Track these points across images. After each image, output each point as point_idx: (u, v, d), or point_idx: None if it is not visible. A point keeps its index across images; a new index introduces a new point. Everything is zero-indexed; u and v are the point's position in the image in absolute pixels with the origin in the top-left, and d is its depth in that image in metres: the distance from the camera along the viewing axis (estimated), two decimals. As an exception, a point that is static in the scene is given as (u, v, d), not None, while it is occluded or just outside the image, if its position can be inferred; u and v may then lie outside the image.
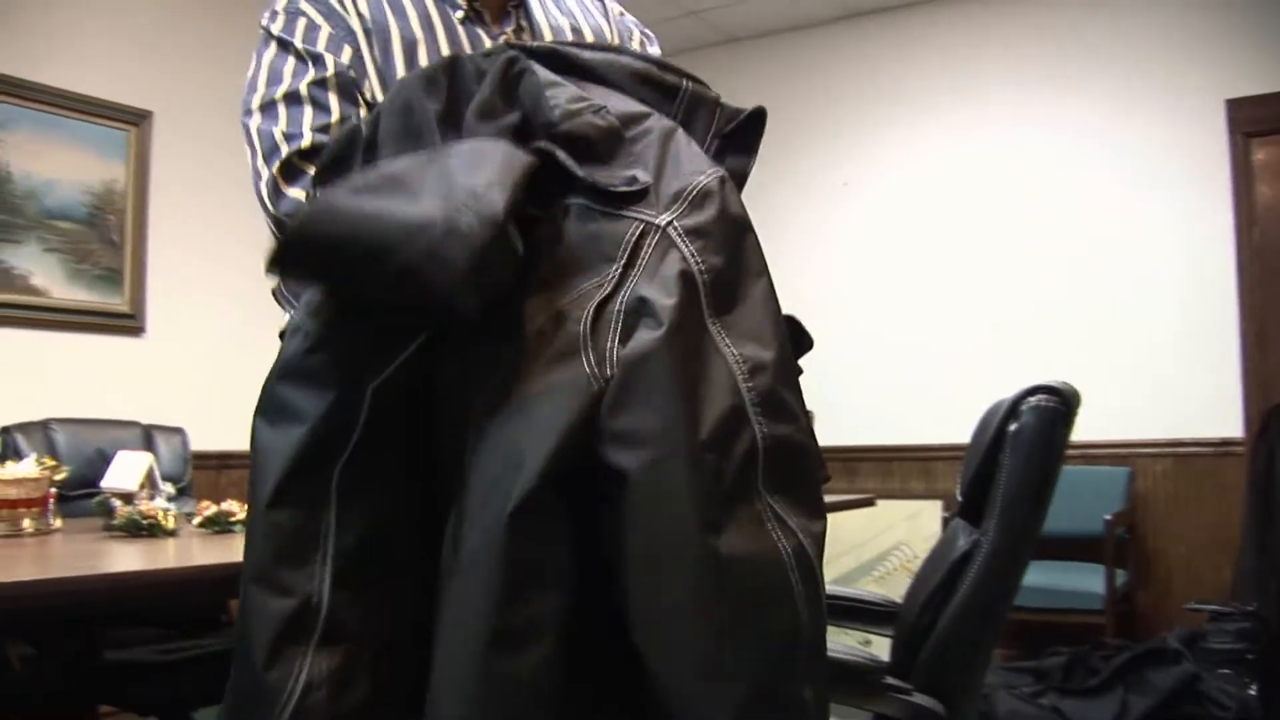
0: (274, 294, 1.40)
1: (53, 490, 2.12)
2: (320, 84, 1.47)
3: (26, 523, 2.05)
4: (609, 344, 0.94)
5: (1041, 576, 4.16)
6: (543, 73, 1.06)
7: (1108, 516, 4.38)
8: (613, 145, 1.02)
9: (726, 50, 6.01)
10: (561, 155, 1.00)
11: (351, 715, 0.96)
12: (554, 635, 0.90)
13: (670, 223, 0.98)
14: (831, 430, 5.07)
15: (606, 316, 0.95)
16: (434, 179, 0.95)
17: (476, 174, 0.94)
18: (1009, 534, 1.63)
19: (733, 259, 1.00)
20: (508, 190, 0.93)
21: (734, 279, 0.99)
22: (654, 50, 1.79)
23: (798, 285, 5.58)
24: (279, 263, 0.97)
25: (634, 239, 0.98)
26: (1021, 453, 1.63)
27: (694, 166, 1.04)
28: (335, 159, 1.10)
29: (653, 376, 0.91)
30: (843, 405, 5.20)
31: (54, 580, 1.35)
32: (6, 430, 3.11)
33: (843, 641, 1.73)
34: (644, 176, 1.00)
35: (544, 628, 0.90)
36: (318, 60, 1.48)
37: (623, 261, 0.97)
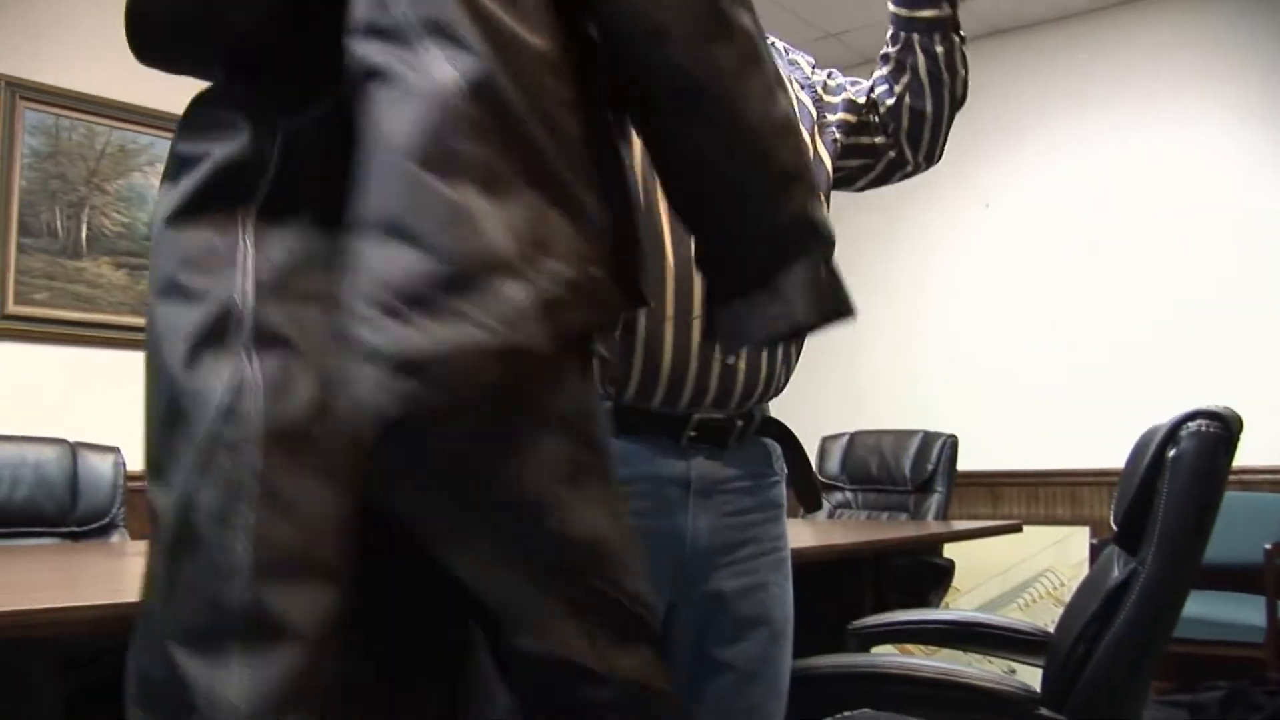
0: None
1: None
2: None
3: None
4: None
5: (1197, 607, 3.99)
6: None
7: (1268, 545, 4.18)
8: None
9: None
10: None
11: (291, 424, 0.81)
12: None
13: None
14: (976, 455, 4.98)
15: None
16: None
17: None
18: (1168, 563, 1.59)
19: None
20: None
21: None
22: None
23: (942, 307, 5.50)
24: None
25: None
26: (1181, 479, 1.58)
27: None
28: None
29: None
30: (987, 429, 5.11)
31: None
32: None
33: (988, 669, 1.70)
34: None
35: None
36: None
37: None
